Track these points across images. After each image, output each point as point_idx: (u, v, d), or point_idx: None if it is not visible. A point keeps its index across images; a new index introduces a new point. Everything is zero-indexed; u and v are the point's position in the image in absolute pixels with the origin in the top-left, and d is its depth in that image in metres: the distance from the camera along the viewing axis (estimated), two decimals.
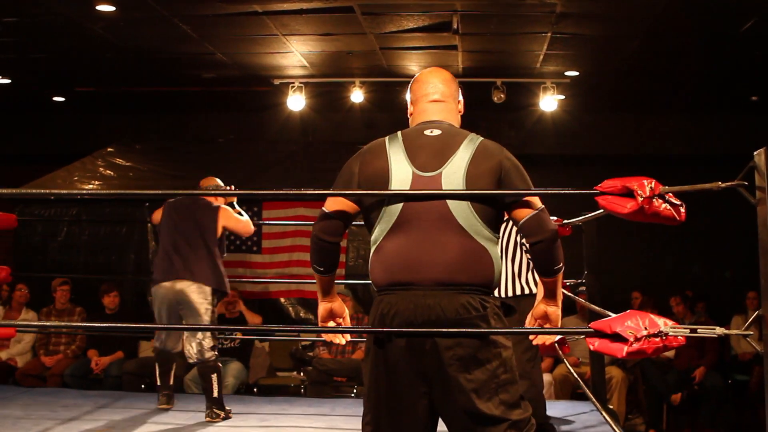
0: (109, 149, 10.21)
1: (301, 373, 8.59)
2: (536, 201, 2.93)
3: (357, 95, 9.26)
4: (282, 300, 9.26)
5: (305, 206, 9.03)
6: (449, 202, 2.88)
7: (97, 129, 10.92)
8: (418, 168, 2.93)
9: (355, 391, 8.09)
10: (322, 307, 3.19)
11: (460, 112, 3.23)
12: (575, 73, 8.93)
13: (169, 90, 9.85)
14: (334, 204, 3.02)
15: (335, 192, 3.01)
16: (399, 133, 3.05)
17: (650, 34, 7.53)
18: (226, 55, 8.36)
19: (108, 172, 9.65)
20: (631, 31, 7.50)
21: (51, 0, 6.80)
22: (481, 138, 3.00)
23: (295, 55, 8.29)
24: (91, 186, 9.35)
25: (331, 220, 3.00)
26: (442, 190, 2.89)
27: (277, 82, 9.30)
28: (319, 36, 7.79)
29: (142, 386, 8.02)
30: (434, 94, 3.14)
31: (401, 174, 2.92)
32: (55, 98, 10.46)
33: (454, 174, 2.90)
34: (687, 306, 8.60)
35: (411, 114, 3.21)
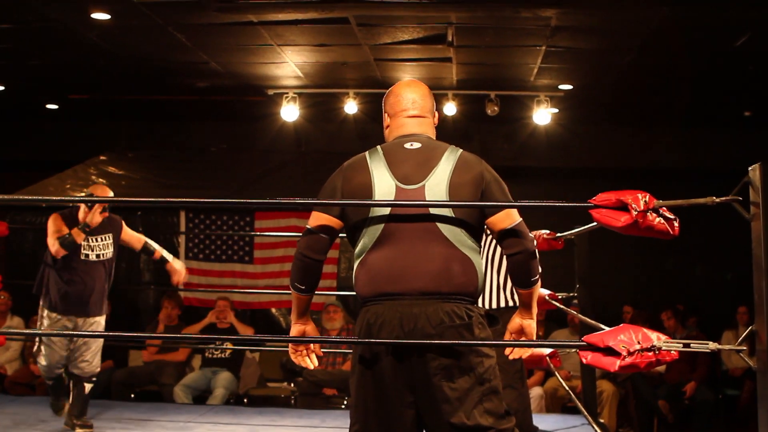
0: (101, 157, 10.19)
1: (292, 384, 8.56)
2: (515, 213, 2.97)
3: (351, 106, 9.26)
4: (273, 310, 9.23)
5: (298, 216, 9.01)
6: (433, 213, 2.91)
7: (90, 137, 10.88)
8: (400, 181, 2.95)
9: (345, 403, 8.06)
10: (296, 329, 3.16)
11: (435, 124, 3.24)
12: (569, 87, 8.94)
13: (163, 99, 9.84)
14: (318, 220, 3.01)
15: (321, 201, 3.01)
16: (379, 147, 3.07)
17: (644, 49, 7.54)
18: (221, 64, 8.36)
19: (100, 180, 9.61)
20: (626, 45, 7.51)
21: (46, 7, 6.79)
22: (460, 150, 3.04)
23: (289, 65, 8.29)
24: (83, 194, 9.32)
25: (317, 235, 3.00)
26: (427, 203, 2.92)
27: (271, 92, 9.30)
28: (314, 47, 7.79)
29: (132, 395, 8.00)
30: (412, 109, 3.15)
31: (384, 187, 2.94)
32: (49, 105, 10.43)
33: (437, 186, 2.93)
34: (678, 320, 8.60)
35: (387, 126, 3.22)
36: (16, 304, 8.65)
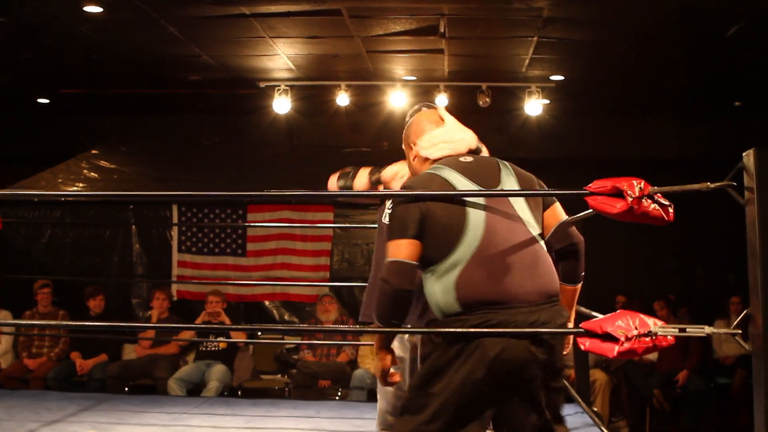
0: (93, 151, 10.16)
1: (286, 376, 8.58)
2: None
3: (343, 98, 9.26)
4: (266, 303, 9.23)
5: (291, 209, 9.02)
6: (522, 216, 2.92)
7: (82, 131, 10.86)
8: (481, 185, 2.95)
9: (339, 394, 8.08)
10: (387, 359, 3.05)
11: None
12: (560, 78, 8.96)
13: (155, 92, 9.83)
14: (403, 250, 2.87)
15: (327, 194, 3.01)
16: (437, 163, 3.06)
17: (637, 39, 7.57)
18: (213, 57, 8.35)
19: (92, 174, 9.61)
20: (618, 36, 7.53)
21: (37, 0, 6.77)
22: (498, 159, 3.09)
23: (281, 57, 8.29)
24: (75, 188, 9.31)
25: (409, 265, 2.86)
26: (513, 207, 2.91)
27: (263, 84, 9.30)
28: (306, 39, 7.79)
29: (126, 389, 7.99)
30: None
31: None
32: (40, 100, 10.40)
33: (513, 188, 2.99)
34: (670, 310, 8.64)
35: (416, 156, 3.21)
36: (7, 298, 8.64)
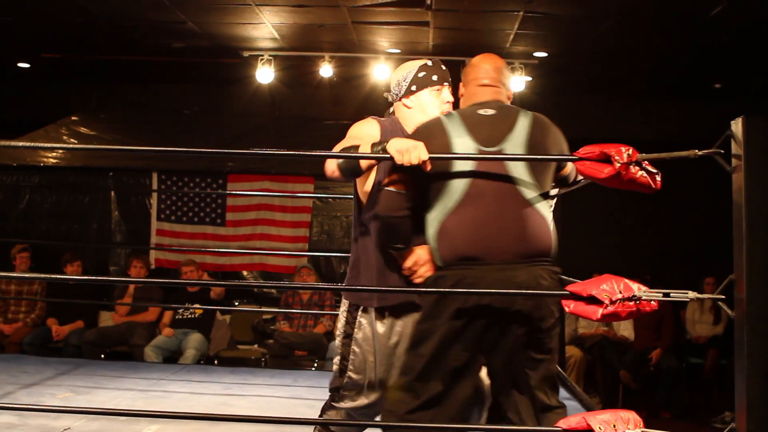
0: (73, 117, 10.08)
1: (262, 346, 8.59)
2: None
3: (326, 70, 9.23)
4: (245, 273, 9.24)
5: (270, 179, 9.01)
6: (513, 175, 2.98)
7: (62, 97, 10.76)
8: (480, 144, 3.01)
9: (315, 364, 8.11)
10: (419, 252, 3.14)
11: (509, 98, 3.31)
12: (544, 54, 8.98)
13: (137, 59, 9.73)
14: (393, 180, 3.04)
15: (333, 154, 3.03)
16: (454, 112, 3.15)
17: (620, 17, 7.59)
18: (197, 24, 8.28)
19: (72, 140, 9.54)
20: (602, 12, 7.54)
21: None
22: (531, 112, 3.13)
23: (266, 26, 8.25)
24: (54, 154, 9.25)
25: (393, 193, 3.03)
26: (506, 168, 2.98)
27: (246, 54, 9.25)
28: (292, 7, 7.73)
29: (102, 356, 7.98)
30: (485, 79, 3.24)
31: (464, 150, 3.00)
32: (20, 64, 10.29)
33: (515, 149, 3.01)
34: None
35: (462, 96, 3.30)
36: None
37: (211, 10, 7.90)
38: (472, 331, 2.92)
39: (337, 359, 3.40)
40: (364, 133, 3.28)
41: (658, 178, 2.93)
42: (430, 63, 3.47)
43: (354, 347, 3.34)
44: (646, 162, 2.90)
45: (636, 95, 10.47)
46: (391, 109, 3.52)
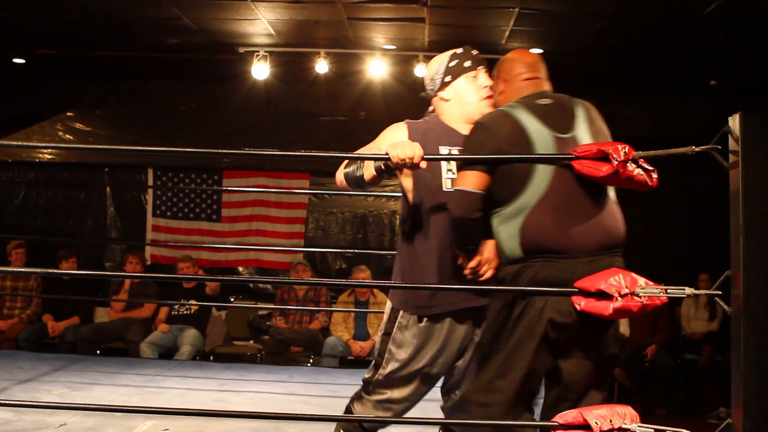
0: (68, 113, 10.06)
1: (258, 342, 8.60)
2: None
3: (322, 66, 9.23)
4: (240, 269, 9.23)
5: (266, 176, 9.01)
6: None
7: (58, 93, 10.75)
8: (555, 131, 3.00)
9: (311, 361, 8.12)
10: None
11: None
12: (539, 51, 8.97)
13: (133, 55, 9.73)
14: (468, 180, 2.97)
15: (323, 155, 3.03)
16: (515, 103, 3.09)
17: (615, 14, 7.59)
18: (193, 20, 8.27)
19: (67, 136, 9.52)
20: (597, 10, 7.55)
21: None
22: (577, 99, 3.14)
23: (262, 22, 8.24)
24: (49, 150, 9.23)
25: (470, 194, 2.98)
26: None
27: (242, 50, 9.24)
28: (287, 3, 7.72)
29: (98, 352, 7.98)
30: (529, 73, 3.23)
31: (542, 138, 2.98)
32: (16, 60, 10.27)
33: (584, 135, 3.01)
34: None
35: (502, 93, 3.25)
36: None
37: (207, 6, 7.89)
38: (546, 331, 2.94)
39: (375, 353, 3.43)
40: (384, 141, 3.22)
41: (655, 176, 2.94)
42: (460, 50, 3.39)
43: (391, 346, 3.35)
44: (642, 160, 2.91)
45: (632, 92, 10.47)
46: (431, 108, 3.45)
